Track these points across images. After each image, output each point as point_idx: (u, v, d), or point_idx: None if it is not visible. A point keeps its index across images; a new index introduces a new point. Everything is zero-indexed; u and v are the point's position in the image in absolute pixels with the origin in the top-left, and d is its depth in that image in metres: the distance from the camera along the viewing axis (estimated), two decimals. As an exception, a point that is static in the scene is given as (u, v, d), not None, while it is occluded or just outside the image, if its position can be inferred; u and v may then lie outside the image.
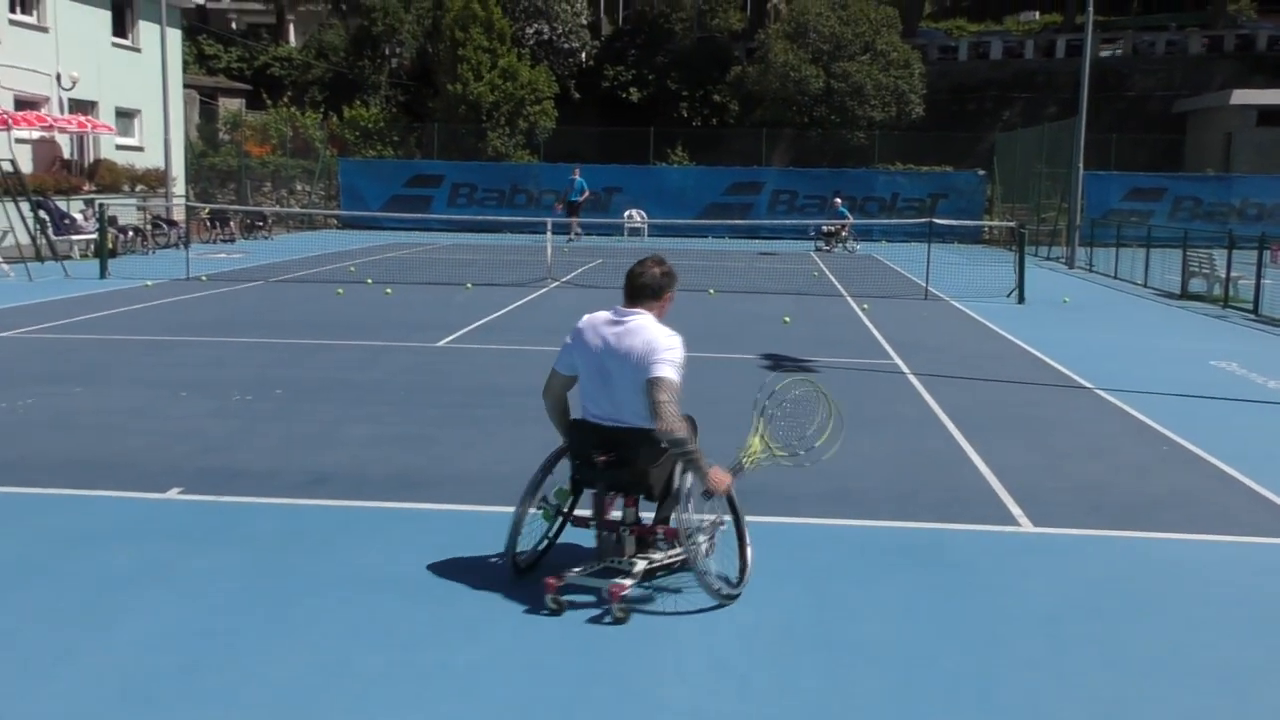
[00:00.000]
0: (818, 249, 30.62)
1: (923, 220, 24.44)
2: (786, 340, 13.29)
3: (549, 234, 22.10)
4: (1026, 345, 13.37)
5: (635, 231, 34.06)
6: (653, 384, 4.85)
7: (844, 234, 30.53)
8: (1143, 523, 6.44)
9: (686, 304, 17.07)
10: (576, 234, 31.64)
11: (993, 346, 13.45)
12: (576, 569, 5.09)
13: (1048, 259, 28.23)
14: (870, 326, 14.87)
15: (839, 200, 31.94)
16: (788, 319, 15.20)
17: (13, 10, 25.88)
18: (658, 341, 4.93)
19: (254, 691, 4.14)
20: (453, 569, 5.47)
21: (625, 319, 5.06)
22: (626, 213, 34.39)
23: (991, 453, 7.94)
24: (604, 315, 5.14)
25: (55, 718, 3.94)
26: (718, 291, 18.82)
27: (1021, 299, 18.14)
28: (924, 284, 19.25)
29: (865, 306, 16.95)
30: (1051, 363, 12.10)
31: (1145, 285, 21.30)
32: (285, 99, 40.06)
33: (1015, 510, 6.60)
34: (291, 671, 4.30)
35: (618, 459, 5.03)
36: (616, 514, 5.26)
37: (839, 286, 20.46)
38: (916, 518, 6.44)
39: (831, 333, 14.29)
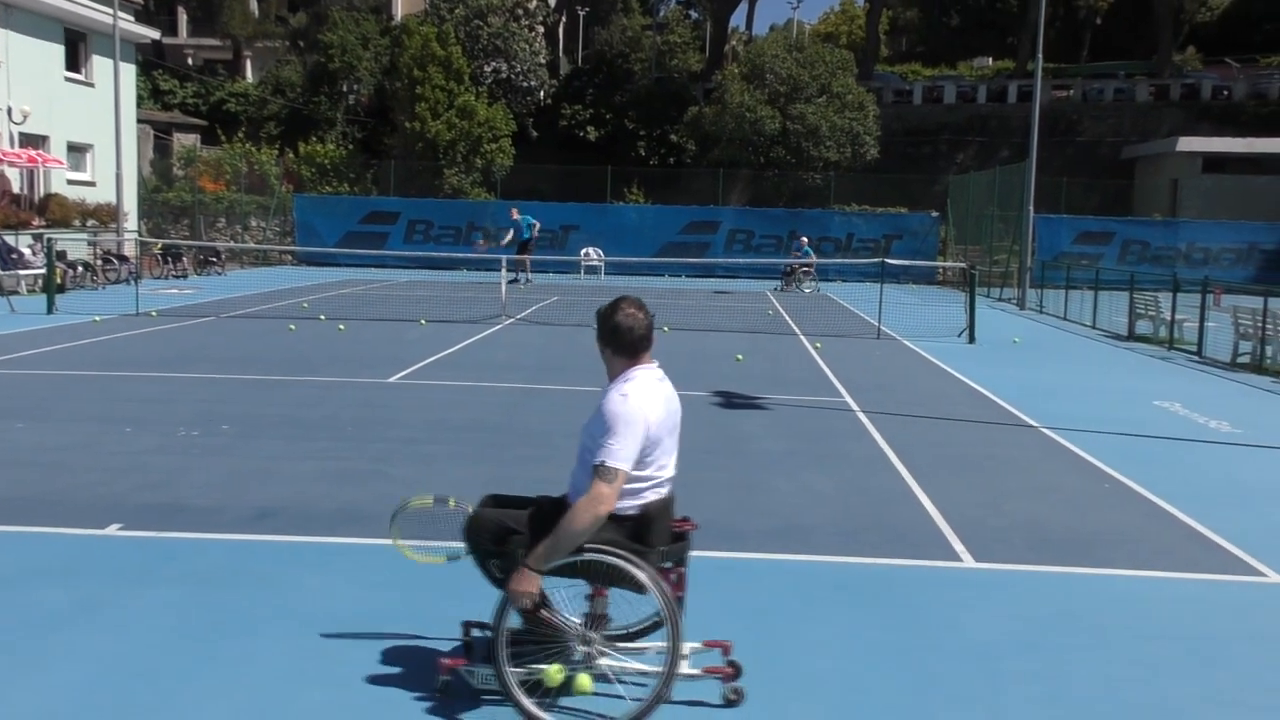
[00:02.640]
0: (780, 288, 30.77)
1: (876, 260, 24.70)
2: (739, 378, 13.35)
3: (504, 271, 22.09)
4: (976, 384, 13.51)
5: (592, 269, 34.15)
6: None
7: (801, 273, 30.71)
8: (1083, 558, 6.50)
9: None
10: (527, 279, 30.35)
11: (942, 385, 13.57)
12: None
13: (999, 300, 28.59)
14: (822, 365, 14.97)
15: (805, 240, 32.21)
16: (740, 357, 15.27)
17: (-36, 43, 25.64)
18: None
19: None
20: (396, 604, 5.43)
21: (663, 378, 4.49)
22: (583, 251, 34.49)
23: (937, 490, 8.00)
24: (657, 378, 4.43)
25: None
26: (672, 329, 18.88)
27: (972, 339, 18.34)
28: (877, 323, 19.42)
29: (818, 345, 17.06)
30: (1000, 401, 12.23)
31: (1094, 326, 21.62)
32: (241, 134, 39.90)
33: (958, 546, 6.65)
34: (229, 710, 4.24)
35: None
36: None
37: (792, 325, 20.59)
38: (861, 553, 6.47)
39: (784, 371, 14.37)
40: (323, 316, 19.36)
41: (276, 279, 29.17)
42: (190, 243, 31.46)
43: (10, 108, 26.71)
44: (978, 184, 34.98)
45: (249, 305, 21.44)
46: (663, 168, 42.21)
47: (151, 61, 41.98)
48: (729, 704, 4.35)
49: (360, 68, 42.62)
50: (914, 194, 39.03)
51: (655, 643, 4.40)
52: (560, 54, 50.24)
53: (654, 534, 4.24)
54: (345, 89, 43.14)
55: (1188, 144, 40.70)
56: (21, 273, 22.70)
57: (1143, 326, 20.01)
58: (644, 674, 4.25)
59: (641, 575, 4.09)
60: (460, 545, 4.47)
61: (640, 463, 4.14)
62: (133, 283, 23.19)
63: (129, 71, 31.82)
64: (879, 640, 5.14)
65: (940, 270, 33.96)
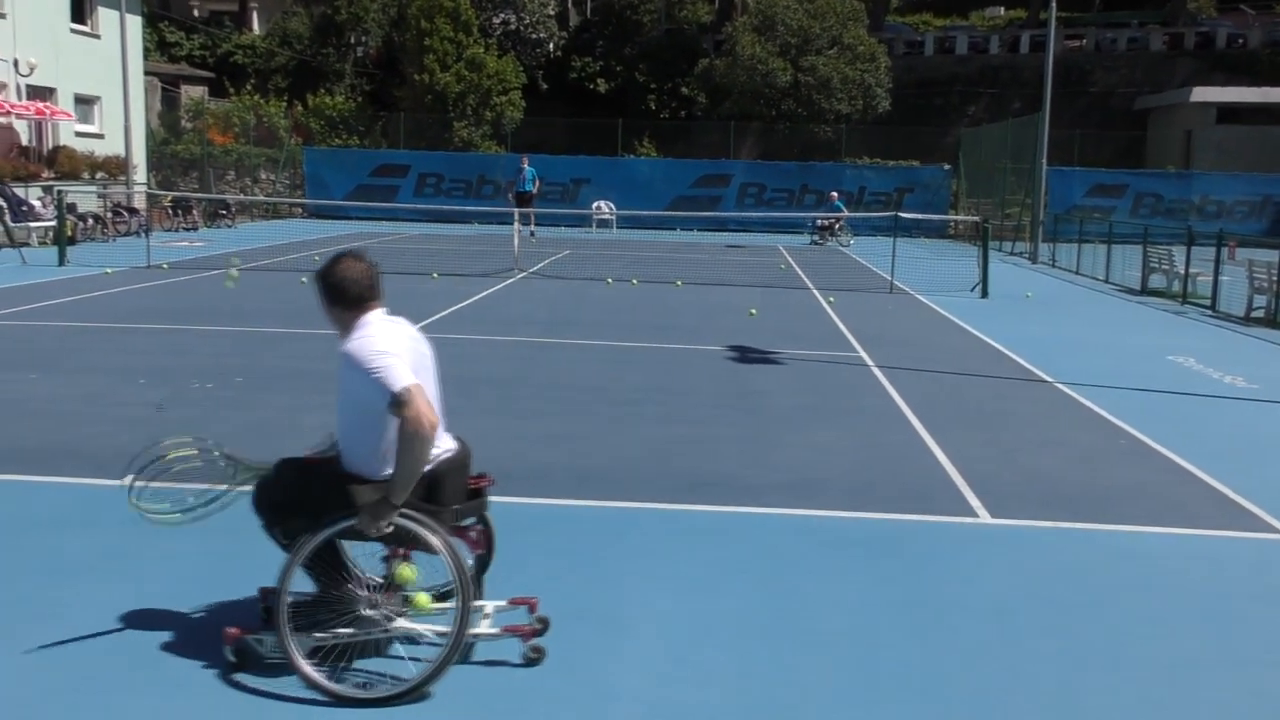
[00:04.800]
0: (813, 243, 30.69)
1: (889, 214, 24.55)
2: (752, 332, 13.32)
3: (516, 224, 22.02)
4: (989, 339, 13.47)
5: (604, 223, 34.01)
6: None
7: (838, 228, 30.67)
8: (1098, 514, 6.50)
9: (653, 295, 17.15)
10: (531, 230, 30.43)
11: (956, 340, 13.53)
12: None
13: (1011, 254, 28.44)
14: (835, 319, 14.93)
15: (835, 195, 32.13)
16: (753, 311, 15.23)
17: (-31, -6, 25.47)
18: None
19: (209, 679, 4.10)
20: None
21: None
22: (594, 204, 34.33)
23: (952, 445, 7.99)
24: (391, 320, 4.34)
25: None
26: (684, 283, 18.83)
27: (985, 293, 18.26)
28: (889, 278, 19.34)
29: (831, 299, 17.01)
30: (1013, 356, 12.19)
31: (1106, 280, 21.51)
32: (249, 87, 39.67)
33: (974, 501, 6.65)
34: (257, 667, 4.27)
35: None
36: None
37: (805, 279, 20.52)
38: (876, 508, 6.47)
39: (797, 325, 14.33)
40: (333, 270, 19.31)
41: (287, 232, 29.12)
42: (200, 195, 31.40)
43: (16, 60, 26.56)
44: (990, 136, 34.69)
45: (260, 258, 21.42)
46: (673, 121, 41.89)
47: (157, 13, 41.66)
48: (529, 663, 4.26)
49: (368, 19, 42.25)
50: (926, 147, 38.71)
51: (494, 601, 4.45)
52: (569, 6, 49.70)
53: (446, 492, 4.19)
54: (353, 41, 42.80)
55: (1202, 94, 40.24)
56: (32, 225, 22.68)
57: (1156, 280, 19.90)
58: (442, 635, 4.18)
59: (432, 537, 4.04)
60: (204, 498, 4.39)
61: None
62: (143, 235, 23.15)
63: (135, 23, 31.58)
64: (893, 596, 5.15)
65: (952, 224, 33.79)
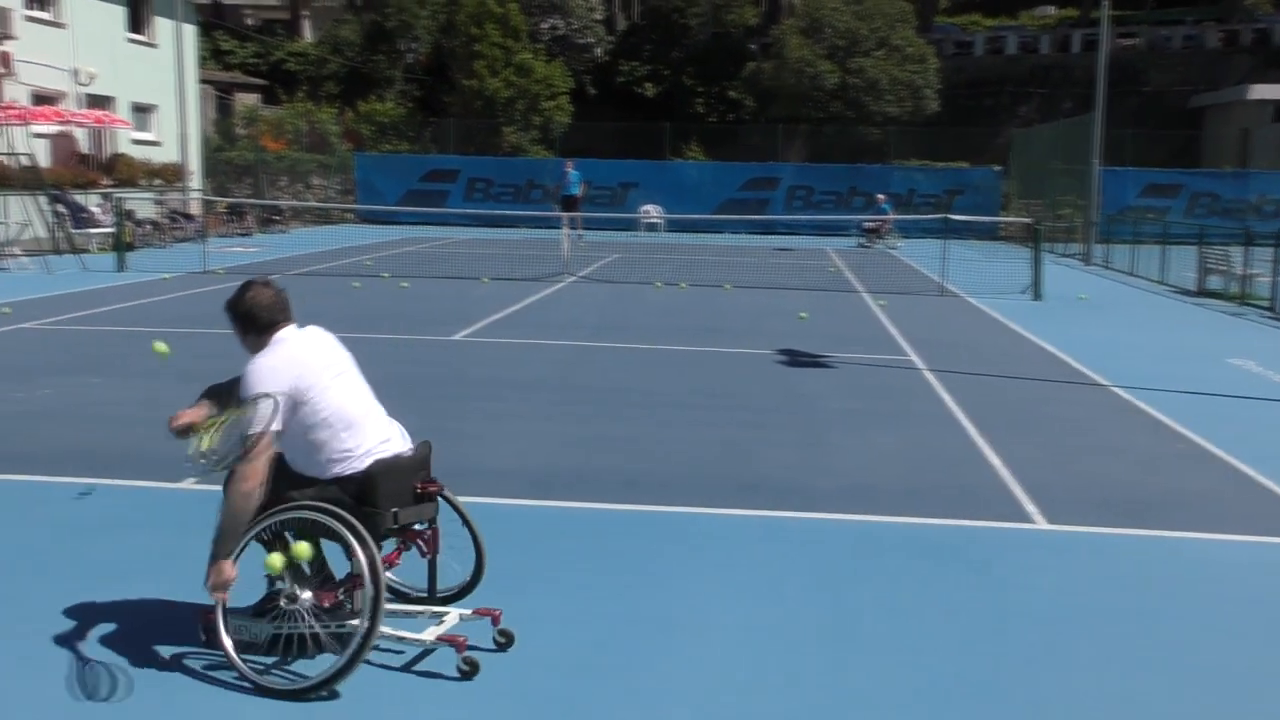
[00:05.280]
0: (860, 245, 30.57)
1: (938, 216, 24.36)
2: (802, 336, 13.28)
3: (564, 229, 22.10)
4: (1042, 342, 13.33)
5: (652, 227, 34.02)
6: None
7: (884, 230, 30.54)
8: (1156, 521, 6.41)
9: (702, 298, 17.14)
10: (579, 234, 30.29)
11: (1008, 343, 13.41)
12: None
13: (1064, 255, 28.11)
14: (886, 322, 14.84)
15: (882, 197, 31.98)
16: (803, 315, 15.18)
17: (29, 6, 25.99)
18: None
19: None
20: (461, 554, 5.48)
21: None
22: (643, 208, 34.35)
23: (1006, 449, 7.92)
24: (299, 332, 4.48)
25: (53, 709, 3.98)
26: (733, 287, 18.81)
27: (1038, 295, 18.07)
28: (940, 280, 19.20)
29: (881, 303, 16.91)
30: (1067, 359, 12.06)
31: (1162, 282, 21.20)
32: (301, 94, 40.15)
33: (1030, 507, 6.58)
34: (305, 664, 4.32)
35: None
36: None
37: (855, 282, 20.42)
38: (930, 514, 6.43)
39: (847, 329, 14.26)
40: (386, 274, 19.51)
41: (339, 237, 29.39)
42: (254, 201, 31.81)
43: (76, 69, 27.07)
44: (1041, 137, 34.30)
45: (313, 263, 21.67)
46: (721, 124, 41.83)
47: (211, 22, 42.25)
48: (462, 675, 4.19)
49: (417, 26, 42.60)
50: (976, 148, 38.35)
51: (460, 609, 4.49)
52: (616, 10, 49.81)
53: (381, 495, 4.20)
54: (403, 47, 43.17)
55: (1259, 92, 39.51)
56: (91, 231, 23.09)
57: (1213, 282, 19.58)
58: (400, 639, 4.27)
59: (350, 536, 4.05)
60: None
61: (319, 422, 4.16)
62: (199, 241, 23.52)
63: (190, 32, 32.14)
64: (948, 602, 5.10)
65: (1002, 226, 33.45)
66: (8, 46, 24.61)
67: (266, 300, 4.36)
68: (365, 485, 4.20)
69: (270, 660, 4.24)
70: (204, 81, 36.10)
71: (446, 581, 4.61)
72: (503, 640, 4.45)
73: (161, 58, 30.18)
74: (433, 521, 4.49)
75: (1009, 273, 20.39)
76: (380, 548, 4.16)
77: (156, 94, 30.28)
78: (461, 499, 6.46)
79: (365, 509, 4.17)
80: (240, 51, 43.95)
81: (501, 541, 5.77)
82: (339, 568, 4.34)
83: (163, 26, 30.63)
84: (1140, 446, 8.23)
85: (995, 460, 7.65)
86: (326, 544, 4.32)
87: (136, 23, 30.17)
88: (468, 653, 4.21)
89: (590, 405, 9.27)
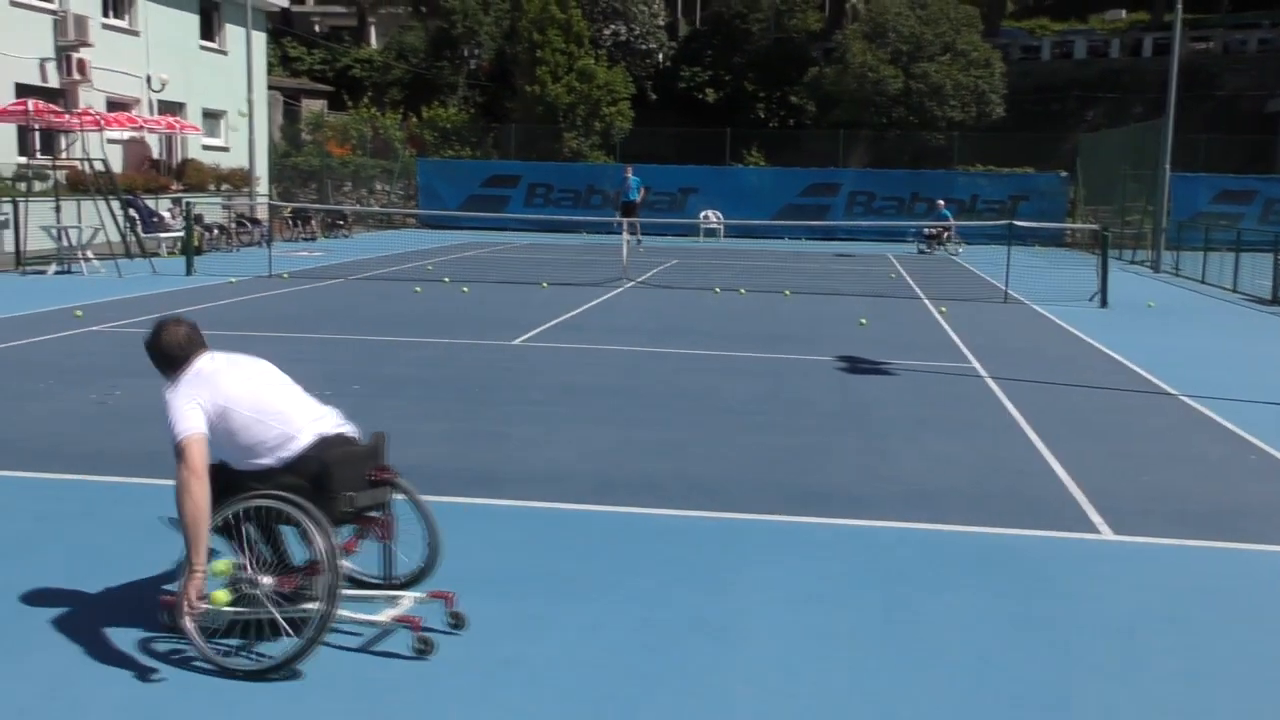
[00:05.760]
0: (920, 251, 30.33)
1: (1003, 222, 24.05)
2: (862, 342, 13.18)
3: (624, 234, 22.14)
4: (1109, 350, 13.10)
5: (711, 232, 33.98)
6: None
7: (946, 236, 30.29)
8: (1229, 533, 6.27)
9: (762, 304, 17.08)
10: (638, 239, 30.23)
11: (1074, 351, 13.20)
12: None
13: (1132, 263, 27.63)
14: (948, 329, 14.68)
15: (943, 203, 31.72)
16: (864, 321, 15.06)
17: (105, 14, 26.61)
18: None
19: (328, 684, 4.20)
20: (523, 564, 5.51)
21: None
22: (702, 213, 34.31)
23: (1071, 458, 7.78)
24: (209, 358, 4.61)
25: (115, 707, 4.05)
26: (793, 293, 18.72)
27: (1104, 303, 17.78)
28: (1003, 287, 18.95)
29: (943, 309, 16.73)
30: (1135, 368, 11.84)
31: (1234, 290, 20.74)
32: (366, 100, 40.66)
33: (1095, 517, 6.46)
34: (366, 663, 4.36)
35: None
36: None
37: (916, 289, 20.23)
38: (993, 522, 6.34)
39: (909, 335, 14.13)
40: (447, 279, 19.68)
41: (401, 242, 29.73)
42: (319, 206, 32.25)
43: (150, 76, 27.67)
44: (1110, 142, 33.75)
45: (375, 267, 21.92)
46: (782, 129, 41.67)
47: (280, 29, 42.95)
48: (417, 654, 4.36)
49: (481, 32, 42.98)
50: (1041, 153, 37.80)
51: (414, 593, 4.67)
52: (678, 16, 49.86)
53: (337, 480, 4.36)
54: (466, 54, 43.55)
55: (1338, 97, 38.56)
56: (161, 235, 23.55)
57: (1288, 290, 19.13)
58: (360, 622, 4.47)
59: (306, 520, 4.23)
60: None
61: (247, 420, 4.36)
62: (265, 245, 23.89)
63: (260, 39, 32.68)
64: (1013, 613, 5.03)
65: (1068, 232, 32.96)
66: (84, 54, 25.22)
67: (180, 339, 4.55)
68: (321, 473, 4.36)
69: (236, 643, 4.38)
70: (272, 88, 36.72)
71: (399, 569, 4.78)
72: (454, 622, 4.62)
73: (231, 64, 30.75)
74: (387, 508, 4.67)
75: (1075, 279, 20.09)
76: (337, 534, 4.35)
77: (226, 100, 30.86)
78: (524, 502, 6.53)
79: (321, 494, 4.33)
80: (307, 58, 44.64)
81: (563, 546, 5.82)
82: (299, 554, 4.49)
83: (233, 34, 31.21)
84: (1211, 457, 8.05)
85: (1060, 469, 7.52)
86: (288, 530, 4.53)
87: (208, 30, 30.78)
88: (422, 632, 4.40)
89: (650, 410, 9.27)
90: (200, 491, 4.20)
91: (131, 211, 23.16)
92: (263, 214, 27.98)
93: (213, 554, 4.33)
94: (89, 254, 19.70)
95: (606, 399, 9.71)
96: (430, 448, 7.78)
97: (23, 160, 23.66)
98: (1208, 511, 6.67)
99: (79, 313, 14.03)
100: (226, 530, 4.39)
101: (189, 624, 4.27)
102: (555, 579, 5.32)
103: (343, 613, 4.37)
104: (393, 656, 4.41)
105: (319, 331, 13.14)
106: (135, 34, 27.51)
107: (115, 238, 21.78)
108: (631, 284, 19.71)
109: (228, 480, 4.39)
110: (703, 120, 41.13)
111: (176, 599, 4.26)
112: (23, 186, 22.48)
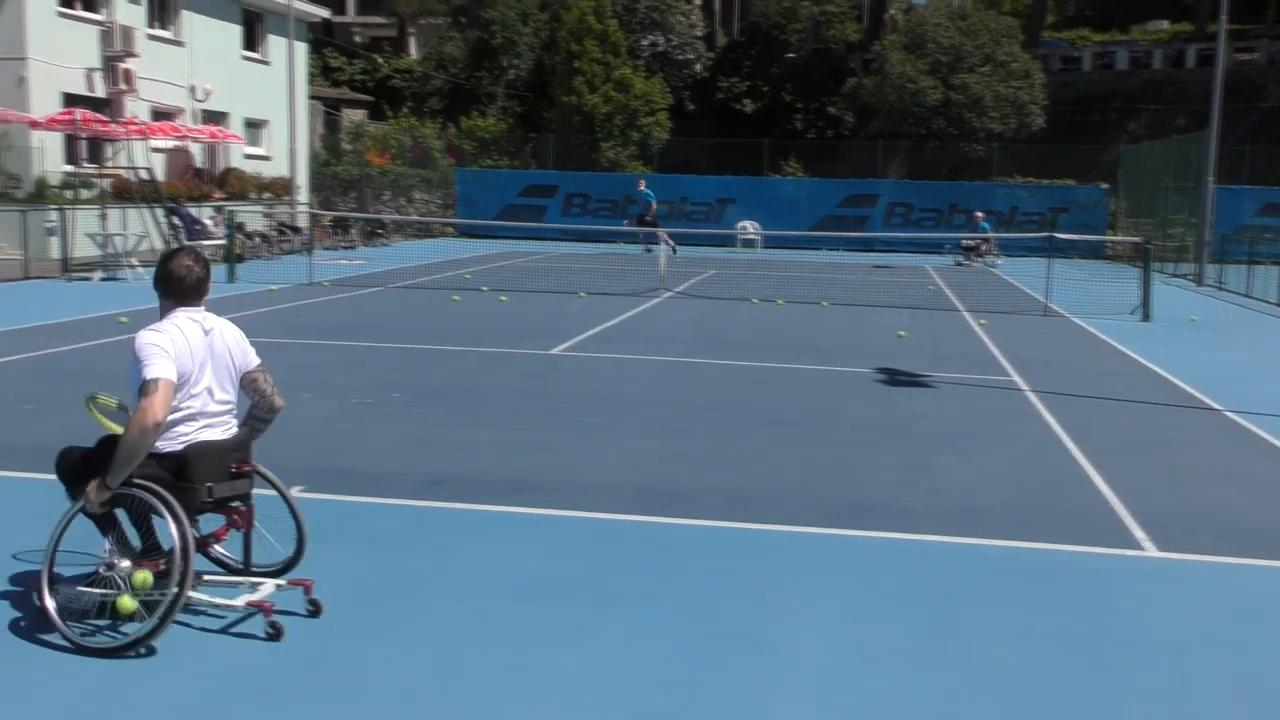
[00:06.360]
0: (958, 263, 30.17)
1: (1043, 235, 23.87)
2: (901, 354, 13.11)
3: (662, 245, 22.15)
4: (1152, 364, 12.96)
5: (749, 243, 33.95)
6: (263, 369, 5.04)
7: (984, 248, 30.12)
8: (1276, 551, 6.18)
9: (800, 315, 17.04)
10: (647, 250, 30.18)
11: (1116, 365, 13.07)
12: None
13: (1174, 275, 27.33)
14: (987, 342, 14.58)
15: (981, 215, 31.57)
16: (903, 333, 14.99)
17: (151, 25, 26.98)
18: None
19: (372, 689, 4.23)
20: (565, 573, 5.52)
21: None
22: (740, 224, 34.28)
23: (1114, 474, 7.71)
24: (192, 318, 4.72)
25: (166, 714, 4.09)
26: (830, 304, 18.66)
27: (1146, 316, 17.60)
28: (1043, 300, 18.81)
29: (983, 322, 16.62)
30: (1178, 383, 11.71)
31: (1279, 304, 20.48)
32: (405, 110, 40.96)
33: (1139, 534, 6.39)
34: (408, 671, 4.38)
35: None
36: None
37: (955, 301, 20.11)
38: (1036, 538, 6.28)
39: (948, 347, 14.04)
40: (485, 288, 19.77)
41: (439, 250, 29.88)
42: (358, 215, 32.51)
43: (194, 86, 28.01)
44: (1152, 154, 33.40)
45: (414, 276, 22.05)
46: (820, 140, 41.60)
47: (321, 40, 43.39)
48: (269, 637, 4.57)
49: (520, 43, 43.23)
50: (1082, 165, 37.52)
51: (274, 580, 4.92)
52: (716, 26, 49.91)
53: (197, 471, 4.57)
54: (505, 64, 43.83)
55: (1387, 109, 37.97)
56: (204, 243, 23.79)
57: (1335, 305, 18.85)
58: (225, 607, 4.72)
59: (162, 507, 4.44)
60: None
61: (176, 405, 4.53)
62: (305, 253, 24.09)
63: (301, 50, 33.03)
64: (1056, 630, 4.97)
65: (1109, 244, 32.66)
66: (130, 64, 25.58)
67: (189, 275, 4.72)
68: (181, 463, 4.59)
69: (103, 623, 4.59)
70: (313, 98, 37.08)
71: (272, 557, 5.04)
72: (312, 609, 4.85)
73: (274, 74, 31.07)
74: (247, 498, 4.90)
75: (1116, 293, 19.90)
76: (197, 522, 4.70)
77: (268, 110, 31.19)
78: (563, 512, 6.55)
79: (181, 484, 4.55)
80: (348, 68, 45.05)
81: (604, 556, 5.82)
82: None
83: (275, 44, 31.55)
84: (1257, 473, 7.94)
85: (1102, 484, 7.45)
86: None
87: (251, 40, 31.15)
88: (274, 617, 4.62)
89: (689, 421, 9.26)
90: (154, 435, 4.40)
91: (176, 219, 23.44)
92: (303, 222, 28.23)
93: (138, 565, 4.55)
94: (134, 261, 19.95)
95: (646, 409, 9.71)
96: (471, 456, 7.81)
97: (70, 169, 24.03)
98: (1255, 529, 6.58)
99: (123, 319, 14.21)
100: (95, 516, 4.61)
101: (50, 605, 4.51)
102: (598, 589, 5.32)
103: (201, 596, 4.71)
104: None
105: (359, 339, 13.24)
106: (180, 44, 27.88)
107: (160, 245, 22.02)
108: (669, 294, 19.72)
109: (105, 458, 4.53)
110: (740, 131, 41.15)
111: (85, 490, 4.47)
112: (70, 194, 22.81)
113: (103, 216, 21.09)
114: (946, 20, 39.50)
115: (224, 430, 4.79)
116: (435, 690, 4.22)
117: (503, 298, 18.30)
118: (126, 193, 23.10)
